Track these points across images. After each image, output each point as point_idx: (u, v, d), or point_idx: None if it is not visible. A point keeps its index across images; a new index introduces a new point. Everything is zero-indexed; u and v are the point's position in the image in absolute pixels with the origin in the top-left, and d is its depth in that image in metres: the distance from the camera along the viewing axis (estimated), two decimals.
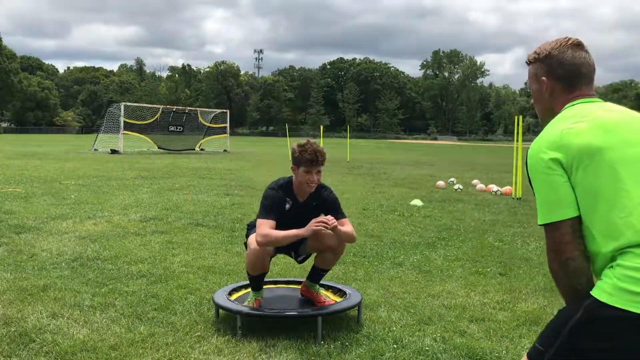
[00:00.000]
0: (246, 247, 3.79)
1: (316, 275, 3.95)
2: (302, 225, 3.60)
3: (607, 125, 1.68)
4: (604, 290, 1.56)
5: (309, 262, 4.08)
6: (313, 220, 3.52)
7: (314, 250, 3.88)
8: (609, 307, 1.52)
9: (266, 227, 3.54)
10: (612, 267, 1.58)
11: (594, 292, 1.58)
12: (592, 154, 1.63)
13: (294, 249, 3.92)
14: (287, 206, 3.72)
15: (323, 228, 3.48)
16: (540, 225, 1.70)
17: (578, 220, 1.63)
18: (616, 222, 1.58)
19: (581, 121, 1.70)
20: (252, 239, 3.64)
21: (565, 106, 1.82)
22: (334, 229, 3.53)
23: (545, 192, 1.70)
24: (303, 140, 3.74)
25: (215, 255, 5.73)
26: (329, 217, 3.56)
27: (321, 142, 24.75)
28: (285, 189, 3.74)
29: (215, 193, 11.14)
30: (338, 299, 3.97)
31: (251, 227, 3.87)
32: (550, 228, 1.66)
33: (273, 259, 5.46)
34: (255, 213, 3.88)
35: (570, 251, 1.63)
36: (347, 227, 3.70)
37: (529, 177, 1.76)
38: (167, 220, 7.77)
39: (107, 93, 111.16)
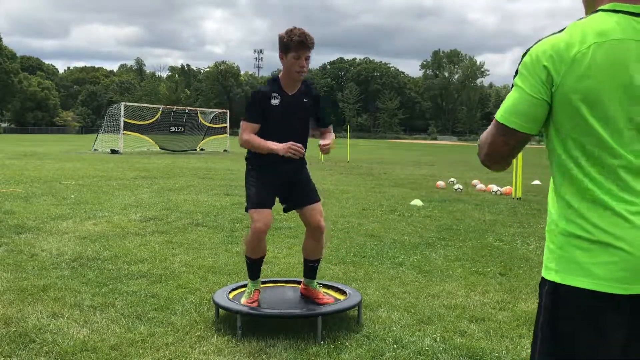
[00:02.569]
0: (247, 210, 3.77)
1: (308, 269, 3.95)
2: (292, 122, 3.63)
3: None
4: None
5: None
6: (289, 143, 3.50)
7: (300, 217, 3.89)
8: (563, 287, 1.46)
9: (249, 131, 3.61)
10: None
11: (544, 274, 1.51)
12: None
13: (284, 196, 3.88)
14: (275, 102, 3.64)
15: (293, 156, 3.50)
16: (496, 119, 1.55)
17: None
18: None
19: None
20: (256, 217, 3.64)
21: (601, 7, 1.48)
22: (324, 150, 3.64)
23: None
24: (290, 27, 3.62)
25: (215, 255, 5.73)
26: (300, 145, 3.52)
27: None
28: (273, 84, 3.69)
29: (215, 193, 11.14)
30: (339, 297, 3.96)
31: (250, 182, 3.83)
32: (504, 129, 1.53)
33: (273, 259, 5.47)
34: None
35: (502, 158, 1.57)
36: (328, 135, 3.83)
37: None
38: (167, 220, 7.77)
39: (107, 93, 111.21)
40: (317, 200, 3.85)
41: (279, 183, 3.78)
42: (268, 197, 3.72)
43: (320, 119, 3.85)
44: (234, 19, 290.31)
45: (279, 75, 3.71)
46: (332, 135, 3.85)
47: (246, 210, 3.75)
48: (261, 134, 3.67)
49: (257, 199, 3.68)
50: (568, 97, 1.44)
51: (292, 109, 3.67)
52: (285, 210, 3.94)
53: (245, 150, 3.84)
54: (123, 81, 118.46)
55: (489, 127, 1.59)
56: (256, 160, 3.76)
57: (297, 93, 3.69)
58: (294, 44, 3.50)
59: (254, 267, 3.85)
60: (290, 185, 3.82)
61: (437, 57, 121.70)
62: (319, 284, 4.05)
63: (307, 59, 3.59)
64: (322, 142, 3.69)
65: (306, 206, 3.79)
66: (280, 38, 3.57)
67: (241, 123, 3.64)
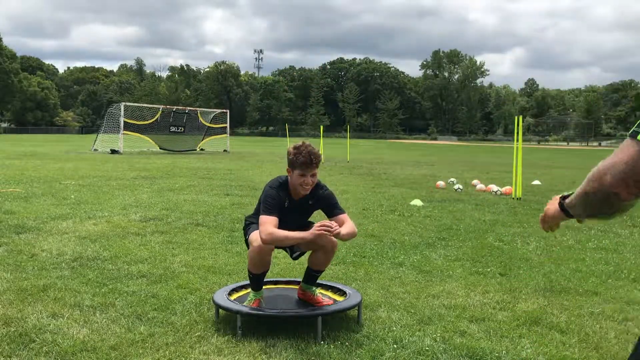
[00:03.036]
0: (247, 246, 3.79)
1: (310, 277, 3.94)
2: (299, 222, 3.64)
3: None
4: None
5: (304, 262, 4.08)
6: (317, 224, 3.54)
7: (308, 248, 3.89)
8: None
9: (271, 226, 3.56)
10: None
11: None
12: None
13: (290, 245, 3.92)
14: (286, 204, 3.74)
15: (326, 233, 3.49)
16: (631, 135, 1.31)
17: None
18: None
19: None
20: (255, 236, 3.65)
21: None
22: (337, 235, 3.55)
23: None
24: (299, 142, 3.75)
25: (215, 255, 5.73)
26: (333, 223, 3.57)
27: (321, 142, 24.74)
28: (283, 189, 3.76)
29: (215, 193, 11.14)
30: (338, 298, 3.97)
31: (249, 224, 3.88)
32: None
33: (273, 259, 5.46)
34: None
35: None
36: (347, 224, 3.72)
37: None
38: (167, 220, 7.77)
39: (107, 93, 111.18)
40: (343, 212, 3.86)
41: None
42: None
43: (326, 212, 3.85)
44: (234, 19, 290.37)
45: (288, 182, 3.77)
46: (350, 223, 3.75)
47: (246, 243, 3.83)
48: None
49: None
50: None
51: (299, 211, 3.80)
52: (295, 258, 4.02)
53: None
54: (123, 81, 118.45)
55: (622, 149, 1.36)
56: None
57: (302, 198, 3.80)
58: (299, 164, 3.62)
59: (256, 280, 3.84)
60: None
61: (437, 57, 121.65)
62: (318, 284, 4.05)
63: (314, 175, 3.69)
64: (334, 223, 3.61)
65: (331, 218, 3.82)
66: (288, 154, 3.69)
67: (261, 219, 3.62)
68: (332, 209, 3.79)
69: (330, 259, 3.92)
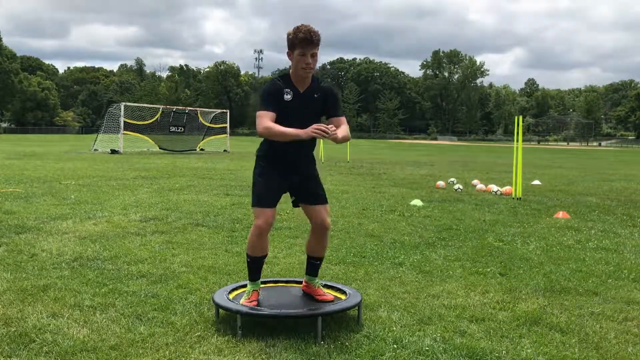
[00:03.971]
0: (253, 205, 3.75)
1: (311, 266, 3.98)
2: (305, 117, 3.57)
3: None
4: None
5: (304, 262, 4.08)
6: (314, 125, 3.46)
7: (305, 212, 3.88)
8: None
9: (267, 119, 3.52)
10: None
11: None
12: None
13: (294, 189, 3.87)
14: (288, 97, 3.64)
15: (322, 134, 3.42)
16: None
17: None
18: None
19: None
20: (257, 214, 3.66)
21: None
22: (334, 139, 3.52)
23: None
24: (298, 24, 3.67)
25: (215, 255, 5.73)
26: (331, 126, 3.49)
27: (321, 142, 24.75)
28: (284, 80, 3.69)
29: (215, 193, 11.14)
30: (339, 296, 3.97)
31: (257, 176, 3.81)
32: None
33: (273, 259, 5.46)
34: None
35: None
36: (343, 128, 3.69)
37: None
38: (167, 220, 7.77)
39: (107, 93, 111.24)
40: (326, 202, 3.88)
41: (288, 181, 3.80)
42: (272, 196, 3.74)
43: (328, 109, 3.78)
44: (233, 19, 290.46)
45: (290, 72, 3.72)
46: (345, 127, 3.74)
47: (251, 206, 3.79)
48: None
49: (261, 197, 3.72)
50: None
51: (304, 105, 3.68)
52: (295, 204, 3.94)
53: (255, 149, 3.85)
54: (123, 81, 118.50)
55: None
56: (266, 157, 3.79)
57: (307, 90, 3.71)
58: (299, 40, 3.52)
59: (254, 266, 3.85)
60: (300, 181, 3.83)
61: (437, 57, 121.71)
62: (322, 284, 4.06)
63: (314, 55, 3.59)
64: (332, 126, 3.54)
65: (314, 205, 3.83)
66: (287, 35, 3.60)
67: (257, 113, 3.59)
68: (335, 109, 3.77)
69: (325, 243, 3.93)
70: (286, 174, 3.78)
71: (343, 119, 3.78)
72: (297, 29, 3.55)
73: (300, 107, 3.65)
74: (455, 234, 7.20)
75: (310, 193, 3.85)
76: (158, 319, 3.78)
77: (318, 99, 3.73)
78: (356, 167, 20.95)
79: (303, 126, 3.56)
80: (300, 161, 3.80)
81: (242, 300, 3.76)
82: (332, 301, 3.88)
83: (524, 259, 5.88)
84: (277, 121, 3.60)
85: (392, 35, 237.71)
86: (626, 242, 6.92)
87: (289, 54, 3.62)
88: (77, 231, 6.80)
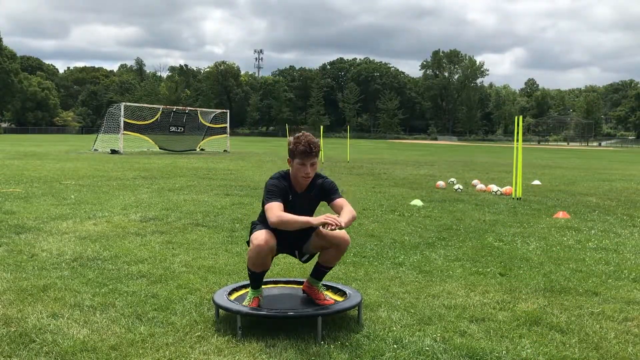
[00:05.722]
0: (249, 245, 3.79)
1: (319, 272, 3.97)
2: (303, 213, 3.61)
3: None
4: None
5: (312, 261, 4.08)
6: (327, 215, 3.51)
7: (317, 249, 3.90)
8: None
9: (277, 209, 3.58)
10: None
11: None
12: None
13: (298, 247, 3.93)
14: (290, 197, 3.74)
15: (333, 223, 3.43)
16: None
17: None
18: None
19: None
20: (256, 236, 3.66)
21: None
22: (340, 227, 3.52)
23: None
24: (299, 133, 3.81)
25: (215, 255, 5.73)
26: (337, 217, 3.53)
27: (321, 143, 24.74)
28: (285, 179, 3.79)
29: (215, 193, 11.14)
30: (338, 299, 3.97)
31: (254, 226, 3.87)
32: None
33: (273, 259, 5.45)
34: (256, 213, 3.88)
35: None
36: (346, 210, 3.70)
37: None
38: (167, 220, 7.77)
39: (107, 93, 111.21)
40: (340, 197, 3.90)
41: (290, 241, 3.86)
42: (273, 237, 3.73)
43: (327, 198, 3.84)
44: (233, 19, 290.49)
45: (290, 174, 3.80)
46: (348, 207, 3.73)
47: (247, 244, 3.83)
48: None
49: (260, 231, 3.71)
50: None
51: (303, 205, 3.79)
52: (304, 259, 4.01)
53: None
54: (123, 81, 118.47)
55: None
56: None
57: (304, 190, 3.82)
58: (299, 152, 3.66)
59: (255, 278, 3.85)
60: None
61: (437, 57, 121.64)
62: (324, 289, 4.06)
63: (313, 164, 3.72)
64: (340, 218, 3.56)
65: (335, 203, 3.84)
66: (288, 144, 3.75)
67: (266, 206, 3.62)
68: (331, 195, 3.81)
69: (341, 256, 3.96)
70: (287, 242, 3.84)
71: (343, 200, 3.81)
72: (297, 141, 3.68)
73: (298, 208, 3.74)
74: (455, 234, 7.20)
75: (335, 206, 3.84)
76: (158, 319, 3.78)
77: (313, 195, 3.85)
78: (356, 167, 20.94)
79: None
80: (298, 237, 3.86)
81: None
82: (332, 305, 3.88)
83: (524, 259, 5.87)
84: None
85: (392, 35, 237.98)
86: (626, 242, 6.92)
87: (289, 161, 3.77)
88: (77, 231, 6.80)
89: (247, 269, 3.85)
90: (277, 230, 3.66)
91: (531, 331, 3.72)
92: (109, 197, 10.16)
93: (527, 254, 6.08)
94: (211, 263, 5.36)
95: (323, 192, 3.85)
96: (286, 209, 3.64)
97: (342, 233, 3.81)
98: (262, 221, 3.81)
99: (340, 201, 3.78)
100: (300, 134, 3.76)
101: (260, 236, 3.64)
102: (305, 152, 3.65)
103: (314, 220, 3.51)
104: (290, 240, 3.85)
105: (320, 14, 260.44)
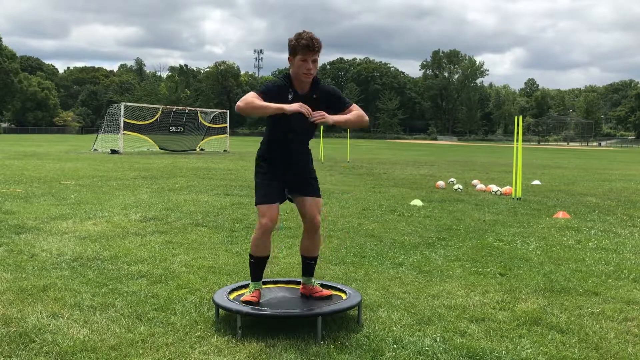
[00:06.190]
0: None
1: (306, 266, 4.01)
2: (305, 120, 3.59)
3: None
4: None
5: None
6: (299, 103, 3.51)
7: (298, 207, 3.93)
8: None
9: (250, 96, 3.55)
10: None
11: None
12: None
13: (290, 188, 3.92)
14: (290, 97, 3.69)
15: (306, 113, 3.47)
16: None
17: None
18: None
19: None
20: (263, 212, 3.71)
21: None
22: (325, 122, 3.57)
23: None
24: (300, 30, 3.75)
25: (215, 255, 5.73)
26: (320, 111, 3.55)
27: (321, 143, 24.75)
28: (287, 80, 3.74)
29: (215, 193, 11.14)
30: (340, 295, 3.97)
31: (257, 172, 3.90)
32: None
33: (273, 259, 5.46)
34: (256, 213, 3.89)
35: None
36: (353, 112, 3.74)
37: None
38: (167, 220, 7.77)
39: (107, 93, 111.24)
40: (319, 195, 3.93)
41: (286, 178, 3.85)
42: (275, 192, 3.79)
43: (335, 107, 3.80)
44: (233, 19, 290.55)
45: (290, 74, 3.77)
46: (356, 111, 3.78)
47: (255, 205, 3.84)
48: (272, 128, 3.82)
49: (264, 194, 3.77)
50: None
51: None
52: (290, 199, 3.98)
53: (255, 149, 3.88)
54: (123, 81, 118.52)
55: None
56: (265, 157, 3.85)
57: (307, 92, 3.76)
58: (301, 47, 3.60)
59: (257, 267, 3.88)
60: (297, 176, 3.88)
61: (437, 57, 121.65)
62: (318, 283, 4.07)
63: (314, 61, 3.67)
64: (320, 112, 3.60)
65: (307, 197, 3.86)
66: (289, 41, 3.67)
67: (247, 94, 3.61)
68: (342, 103, 3.80)
69: (317, 242, 3.97)
70: (285, 174, 3.84)
71: (353, 106, 3.82)
72: (299, 36, 3.63)
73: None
74: (455, 234, 7.20)
75: (303, 183, 3.89)
76: (158, 319, 3.78)
77: (317, 98, 3.77)
78: (356, 167, 20.94)
79: (303, 126, 3.68)
80: (298, 161, 3.86)
81: (244, 297, 3.78)
82: (329, 297, 3.90)
83: (524, 259, 5.87)
84: (278, 121, 3.69)
85: (392, 35, 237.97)
86: (626, 242, 6.92)
87: (290, 59, 3.69)
88: (77, 231, 6.80)
89: (250, 257, 3.89)
90: (281, 177, 3.72)
91: (531, 331, 3.72)
92: (109, 197, 10.16)
93: (527, 254, 6.08)
94: (211, 263, 5.36)
95: (329, 99, 3.78)
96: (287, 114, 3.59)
97: (313, 212, 3.83)
98: (266, 141, 3.84)
99: (352, 108, 3.80)
100: (302, 31, 3.67)
101: (266, 213, 3.70)
102: (307, 47, 3.58)
103: (287, 106, 3.49)
104: (289, 184, 3.86)
105: (320, 14, 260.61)
